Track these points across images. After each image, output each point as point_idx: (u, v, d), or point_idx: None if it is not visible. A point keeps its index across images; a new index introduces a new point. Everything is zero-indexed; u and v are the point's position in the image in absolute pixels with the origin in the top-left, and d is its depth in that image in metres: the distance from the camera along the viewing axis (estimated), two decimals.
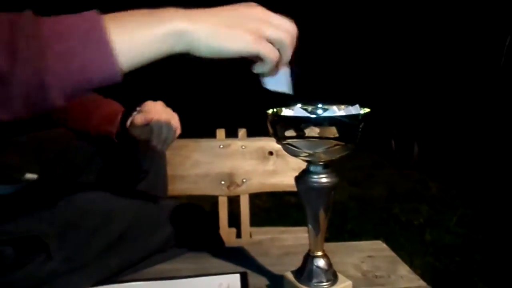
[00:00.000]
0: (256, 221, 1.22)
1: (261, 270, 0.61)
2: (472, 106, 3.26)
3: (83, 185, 0.66)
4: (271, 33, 0.39)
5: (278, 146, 1.21)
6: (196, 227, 0.71)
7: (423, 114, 3.51)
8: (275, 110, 0.48)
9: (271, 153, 1.14)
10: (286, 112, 0.48)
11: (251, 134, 1.18)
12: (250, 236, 1.23)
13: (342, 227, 2.16)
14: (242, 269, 0.60)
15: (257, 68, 0.41)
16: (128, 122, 0.71)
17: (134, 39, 0.34)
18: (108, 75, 0.34)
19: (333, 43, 4.59)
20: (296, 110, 0.49)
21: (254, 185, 1.13)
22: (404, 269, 0.62)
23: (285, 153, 1.33)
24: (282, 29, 0.40)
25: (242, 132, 1.20)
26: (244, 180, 1.13)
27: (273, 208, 2.44)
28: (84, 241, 0.58)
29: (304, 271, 0.51)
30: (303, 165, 1.24)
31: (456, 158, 3.26)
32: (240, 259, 0.64)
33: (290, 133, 0.44)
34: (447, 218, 2.27)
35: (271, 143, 1.14)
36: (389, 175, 3.09)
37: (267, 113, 0.46)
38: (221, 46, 0.37)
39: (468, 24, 3.30)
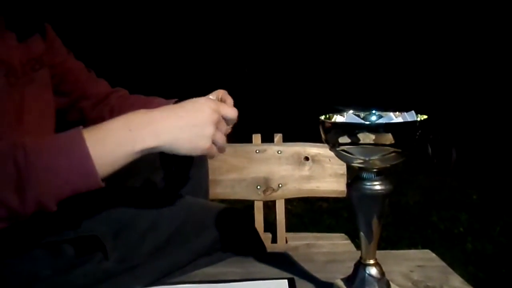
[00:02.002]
0: (288, 226, 1.21)
1: (307, 276, 0.60)
2: None
3: (134, 190, 0.68)
4: (218, 139, 0.52)
5: (314, 152, 1.20)
6: (239, 231, 0.72)
7: (461, 118, 3.36)
8: (327, 116, 0.48)
9: (307, 158, 1.13)
10: (338, 118, 0.48)
11: (287, 139, 1.18)
12: (286, 241, 1.22)
13: None
14: (288, 275, 0.60)
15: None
16: None
17: (112, 157, 0.46)
18: (92, 186, 0.45)
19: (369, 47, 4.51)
20: (348, 117, 0.48)
21: (290, 190, 1.12)
22: (457, 280, 0.60)
23: (321, 158, 1.30)
24: (225, 131, 0.53)
25: (278, 137, 1.20)
26: (280, 185, 1.12)
27: (305, 213, 2.42)
28: (135, 242, 0.60)
29: (356, 279, 0.50)
30: (340, 171, 1.21)
31: (497, 164, 3.09)
32: (284, 264, 0.64)
33: (344, 139, 0.44)
34: (489, 227, 2.16)
35: (307, 148, 1.13)
36: (425, 181, 2.98)
37: (320, 119, 0.46)
38: (180, 152, 0.50)
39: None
